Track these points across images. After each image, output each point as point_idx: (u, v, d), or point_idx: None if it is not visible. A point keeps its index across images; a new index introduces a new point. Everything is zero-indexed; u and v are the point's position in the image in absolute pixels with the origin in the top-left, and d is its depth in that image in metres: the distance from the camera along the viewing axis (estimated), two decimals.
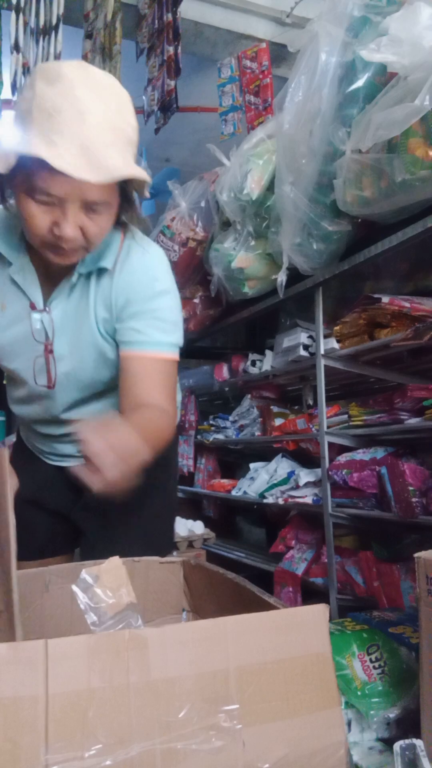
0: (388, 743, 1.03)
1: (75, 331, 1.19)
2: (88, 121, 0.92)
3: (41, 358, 1.20)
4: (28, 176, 0.95)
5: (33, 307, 1.16)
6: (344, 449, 2.25)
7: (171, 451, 1.53)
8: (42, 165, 0.90)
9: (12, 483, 1.05)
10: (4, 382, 1.41)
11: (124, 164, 0.96)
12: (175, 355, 1.15)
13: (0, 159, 0.95)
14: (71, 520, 1.43)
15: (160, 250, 1.20)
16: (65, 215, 0.97)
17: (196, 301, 2.90)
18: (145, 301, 1.13)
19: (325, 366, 2.20)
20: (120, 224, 1.13)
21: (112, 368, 1.21)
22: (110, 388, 1.26)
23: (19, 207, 1.01)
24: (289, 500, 2.50)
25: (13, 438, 3.61)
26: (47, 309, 1.16)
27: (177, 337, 1.16)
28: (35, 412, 1.33)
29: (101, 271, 1.14)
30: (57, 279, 1.16)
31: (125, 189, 1.06)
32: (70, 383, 1.24)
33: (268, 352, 2.75)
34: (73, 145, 0.91)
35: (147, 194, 1.07)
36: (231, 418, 3.17)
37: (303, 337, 2.42)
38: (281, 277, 2.17)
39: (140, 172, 0.99)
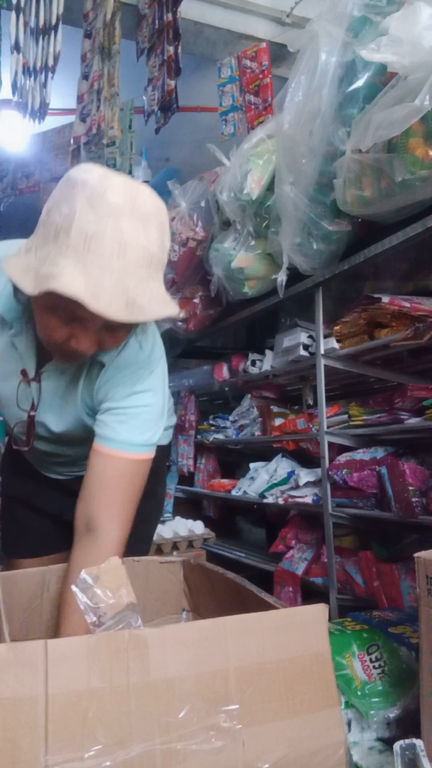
0: (388, 743, 1.03)
1: (59, 407, 1.18)
2: (128, 256, 0.87)
3: (23, 421, 1.21)
4: (54, 297, 0.89)
5: (24, 374, 1.15)
6: (344, 449, 2.25)
7: (162, 461, 1.56)
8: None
9: None
10: None
11: (159, 303, 0.91)
12: (142, 455, 1.11)
13: (27, 282, 0.90)
14: (66, 522, 1.44)
15: (155, 346, 1.15)
16: (86, 333, 0.94)
17: (196, 301, 2.90)
18: (121, 398, 1.11)
19: (325, 366, 2.20)
20: None
21: (91, 432, 1.19)
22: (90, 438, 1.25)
23: (36, 313, 0.98)
24: (289, 500, 2.50)
25: None
26: (38, 378, 1.15)
27: (148, 437, 1.12)
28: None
29: (96, 362, 1.12)
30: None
31: None
32: (53, 439, 1.26)
33: (268, 352, 2.75)
34: (111, 282, 0.86)
35: (179, 316, 1.04)
36: (231, 418, 3.17)
37: (303, 337, 2.42)
38: (281, 277, 2.17)
39: (171, 310, 0.94)
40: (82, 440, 1.20)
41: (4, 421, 1.28)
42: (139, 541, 1.36)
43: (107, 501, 1.08)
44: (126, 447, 1.09)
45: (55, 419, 1.20)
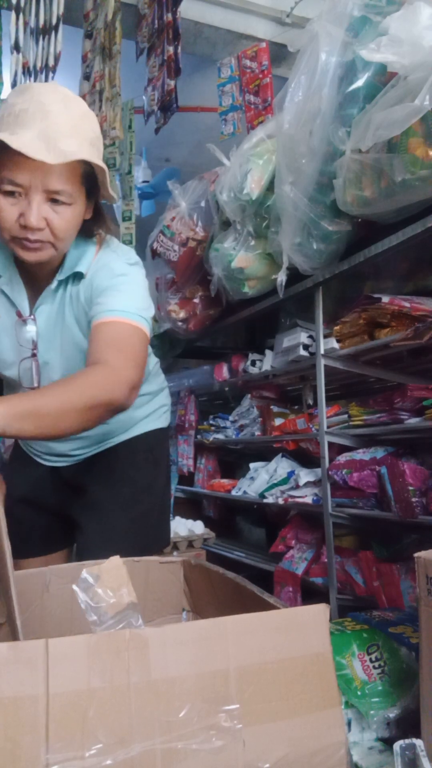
0: (388, 743, 1.03)
1: (58, 335, 1.24)
2: (50, 117, 1.00)
3: (27, 361, 1.25)
4: None
5: (19, 315, 1.22)
6: (344, 449, 2.25)
7: (160, 450, 1.54)
8: (6, 152, 0.98)
9: (0, 489, 1.05)
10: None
11: (79, 149, 1.02)
12: (136, 323, 1.14)
13: None
14: (67, 517, 1.44)
15: (130, 251, 1.25)
16: (30, 205, 1.03)
17: (196, 301, 2.90)
18: (104, 281, 1.17)
19: (325, 366, 2.20)
20: (95, 236, 1.20)
21: None
22: None
23: None
24: (289, 500, 2.50)
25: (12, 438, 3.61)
26: (33, 317, 1.22)
27: (138, 306, 1.15)
28: None
29: (77, 277, 1.19)
30: (41, 288, 1.22)
31: (91, 192, 1.12)
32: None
33: (268, 352, 2.75)
34: (33, 133, 0.98)
35: (115, 197, 1.14)
36: (231, 418, 3.17)
37: (303, 337, 2.42)
38: (281, 277, 2.17)
39: (97, 159, 1.05)
40: None
41: (9, 380, 1.32)
42: (136, 534, 1.37)
43: (115, 350, 1.09)
44: (119, 313, 1.13)
45: (58, 354, 1.25)
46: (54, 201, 1.05)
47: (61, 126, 1.01)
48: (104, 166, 1.07)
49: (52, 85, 1.06)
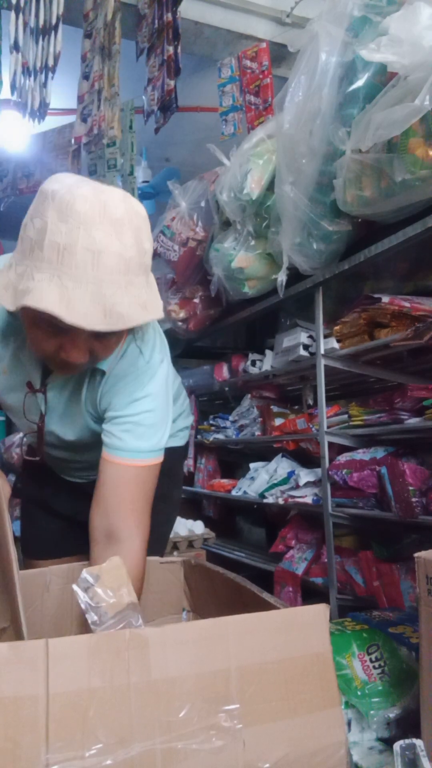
0: (388, 743, 1.03)
1: (66, 416, 1.19)
2: (102, 264, 0.86)
3: (34, 432, 1.23)
4: (36, 312, 0.88)
5: (30, 386, 1.15)
6: (344, 449, 2.24)
7: (178, 462, 1.56)
8: None
9: (5, 491, 1.05)
10: None
11: (139, 309, 0.90)
12: (152, 460, 1.12)
13: (7, 298, 0.91)
14: (80, 523, 1.44)
15: (155, 351, 1.13)
16: (74, 343, 0.93)
17: (196, 301, 2.90)
18: (123, 407, 1.11)
19: (325, 366, 2.20)
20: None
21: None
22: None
23: (24, 327, 0.98)
24: (289, 500, 2.50)
25: (13, 438, 3.62)
26: (43, 389, 1.15)
27: (155, 442, 1.12)
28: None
29: (97, 370, 1.12)
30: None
31: None
32: (65, 447, 1.27)
33: (268, 352, 2.75)
34: (86, 292, 0.85)
35: (162, 316, 0.98)
36: (231, 418, 3.16)
37: (303, 337, 2.42)
38: (281, 277, 2.17)
39: (154, 313, 0.93)
40: (92, 446, 1.20)
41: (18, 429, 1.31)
42: (154, 541, 1.37)
43: (125, 510, 1.09)
44: (135, 455, 1.10)
45: (63, 428, 1.21)
46: (100, 335, 0.94)
47: (115, 275, 0.87)
48: (158, 309, 0.94)
49: (98, 202, 0.87)
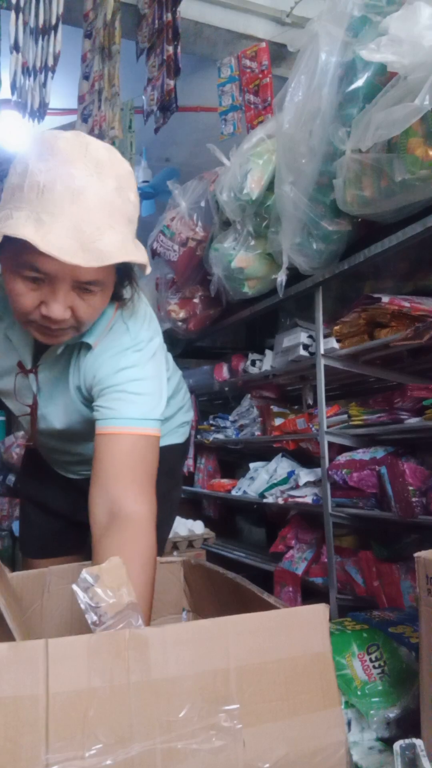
0: (388, 743, 1.03)
1: (55, 398, 1.17)
2: (82, 201, 0.85)
3: (26, 414, 1.21)
4: (15, 253, 0.88)
5: (21, 366, 1.13)
6: (344, 449, 2.25)
7: (178, 461, 1.56)
8: (30, 244, 0.84)
9: None
10: None
11: (119, 248, 0.88)
12: (147, 430, 1.05)
13: None
14: (80, 523, 1.44)
15: (143, 328, 1.11)
16: (54, 295, 0.91)
17: (196, 301, 2.90)
18: (109, 376, 1.07)
19: (325, 366, 2.20)
20: (117, 298, 1.06)
21: (92, 425, 1.16)
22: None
23: (5, 284, 0.95)
24: (289, 500, 2.50)
25: (12, 438, 3.62)
26: (34, 370, 1.13)
27: (148, 410, 1.06)
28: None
29: (84, 345, 1.09)
30: (46, 345, 1.11)
31: (125, 265, 0.98)
32: (59, 434, 1.25)
33: (268, 352, 2.75)
34: (63, 226, 0.84)
35: (148, 270, 0.96)
36: (231, 418, 3.16)
37: (303, 337, 2.42)
38: (281, 277, 2.17)
39: (137, 256, 0.91)
40: (84, 436, 1.19)
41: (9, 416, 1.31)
42: (160, 547, 1.36)
43: (126, 481, 1.01)
44: (128, 422, 1.04)
45: (55, 412, 1.19)
46: (83, 290, 0.93)
47: (94, 213, 0.85)
48: (143, 257, 0.92)
49: (79, 144, 0.88)
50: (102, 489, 1.01)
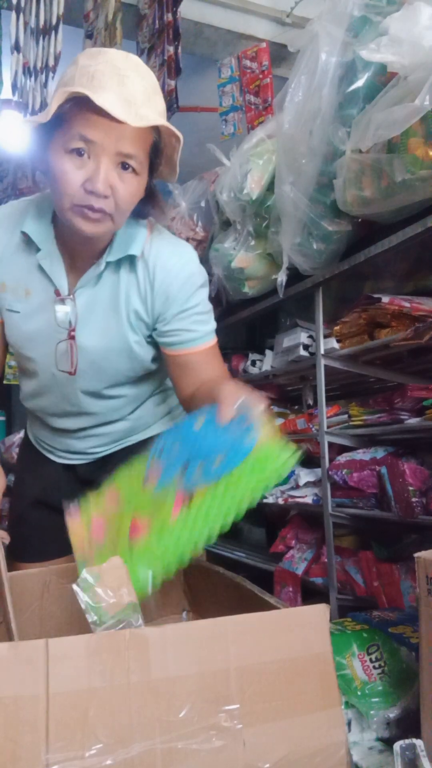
0: (388, 743, 1.03)
1: (100, 322, 1.18)
2: (127, 83, 0.98)
3: (64, 344, 1.19)
4: (66, 129, 0.98)
5: (57, 293, 1.16)
6: (344, 449, 2.24)
7: None
8: (82, 110, 0.96)
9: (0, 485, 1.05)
10: (9, 380, 1.43)
11: (159, 117, 1.01)
12: (215, 338, 1.26)
13: (42, 114, 1.00)
14: None
15: (187, 245, 1.23)
16: (98, 168, 0.99)
17: None
18: (186, 300, 1.17)
19: (325, 366, 2.20)
20: (145, 218, 1.16)
21: (135, 362, 1.23)
22: (131, 381, 1.28)
23: (53, 169, 1.02)
24: (289, 500, 2.50)
25: (13, 438, 3.61)
26: (72, 296, 1.16)
27: (214, 323, 1.26)
28: (52, 404, 1.33)
29: (131, 260, 1.15)
30: (84, 267, 1.15)
31: (152, 168, 1.09)
32: (91, 372, 1.24)
33: (268, 352, 2.75)
34: (112, 93, 0.96)
35: (174, 177, 1.12)
36: None
37: (303, 337, 2.42)
38: (281, 277, 2.17)
39: (174, 129, 1.04)
40: (118, 369, 1.24)
41: (33, 364, 1.26)
42: None
43: (215, 372, 1.19)
44: (210, 336, 1.24)
45: (96, 338, 1.19)
46: (123, 167, 1.01)
47: (137, 93, 0.98)
48: (178, 132, 1.05)
49: (125, 53, 1.04)
50: (198, 385, 1.18)
